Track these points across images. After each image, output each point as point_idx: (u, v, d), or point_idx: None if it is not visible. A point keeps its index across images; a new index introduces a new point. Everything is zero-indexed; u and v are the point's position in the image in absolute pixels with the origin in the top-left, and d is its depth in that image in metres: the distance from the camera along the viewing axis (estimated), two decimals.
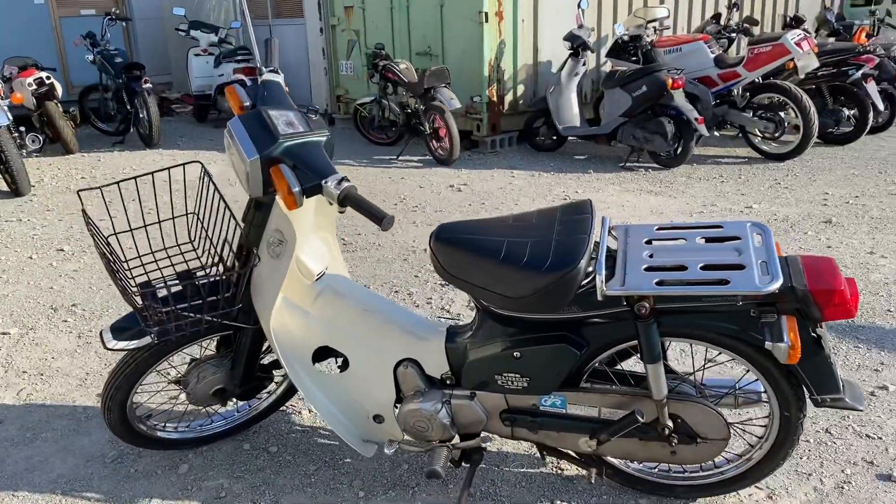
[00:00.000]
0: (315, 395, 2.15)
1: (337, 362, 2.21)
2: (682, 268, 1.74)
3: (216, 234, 2.08)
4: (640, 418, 1.89)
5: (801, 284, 1.70)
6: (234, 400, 2.40)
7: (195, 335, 2.11)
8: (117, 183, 1.97)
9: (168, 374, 2.59)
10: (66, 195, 6.01)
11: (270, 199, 1.95)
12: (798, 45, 6.11)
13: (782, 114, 6.38)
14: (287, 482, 2.32)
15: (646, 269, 1.76)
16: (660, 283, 1.71)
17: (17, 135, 6.13)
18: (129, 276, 2.01)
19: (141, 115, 7.94)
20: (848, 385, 1.86)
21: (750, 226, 1.86)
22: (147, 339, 2.04)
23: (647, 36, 6.94)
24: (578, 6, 6.95)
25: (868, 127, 6.91)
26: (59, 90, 7.55)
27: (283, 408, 2.67)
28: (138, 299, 1.97)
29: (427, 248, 1.92)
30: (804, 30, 6.65)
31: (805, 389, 1.83)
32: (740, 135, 6.84)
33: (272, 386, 2.51)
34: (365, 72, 7.84)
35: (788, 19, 8.26)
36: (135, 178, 2.00)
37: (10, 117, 5.85)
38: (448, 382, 2.08)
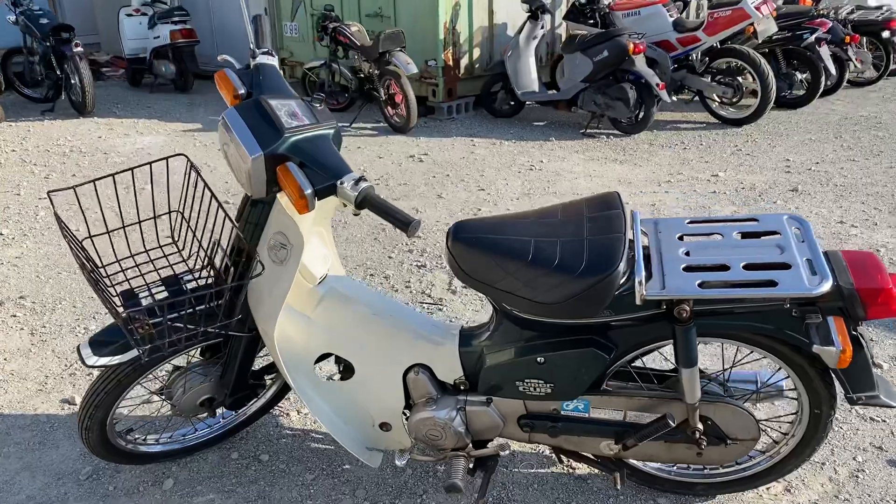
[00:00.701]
0: (318, 405, 1.99)
1: (339, 367, 2.05)
2: (724, 267, 1.64)
3: (204, 233, 1.88)
4: (672, 423, 1.80)
5: (847, 283, 1.62)
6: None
7: (188, 346, 1.91)
8: (93, 181, 1.74)
9: (150, 382, 2.38)
10: None
11: (270, 197, 1.76)
12: (757, 9, 6.08)
13: (740, 79, 6.37)
14: (284, 494, 2.17)
15: (685, 269, 1.65)
16: (703, 286, 1.60)
17: None
18: (110, 284, 1.80)
19: (72, 81, 7.43)
20: (881, 381, 1.80)
21: (787, 219, 1.77)
22: (132, 353, 1.84)
23: None
24: None
25: (820, 90, 6.99)
26: None
27: (271, 410, 2.50)
28: (122, 310, 1.77)
29: (444, 248, 1.76)
30: None
31: (841, 387, 1.77)
32: (696, 99, 6.83)
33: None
34: (311, 34, 7.51)
35: None
36: (112, 174, 1.77)
37: None
38: (462, 388, 1.95)
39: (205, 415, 2.19)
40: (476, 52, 7.28)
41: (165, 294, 1.85)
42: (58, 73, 7.53)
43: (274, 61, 1.82)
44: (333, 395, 2.01)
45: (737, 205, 4.54)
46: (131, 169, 1.79)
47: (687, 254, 1.71)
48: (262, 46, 1.85)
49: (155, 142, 6.46)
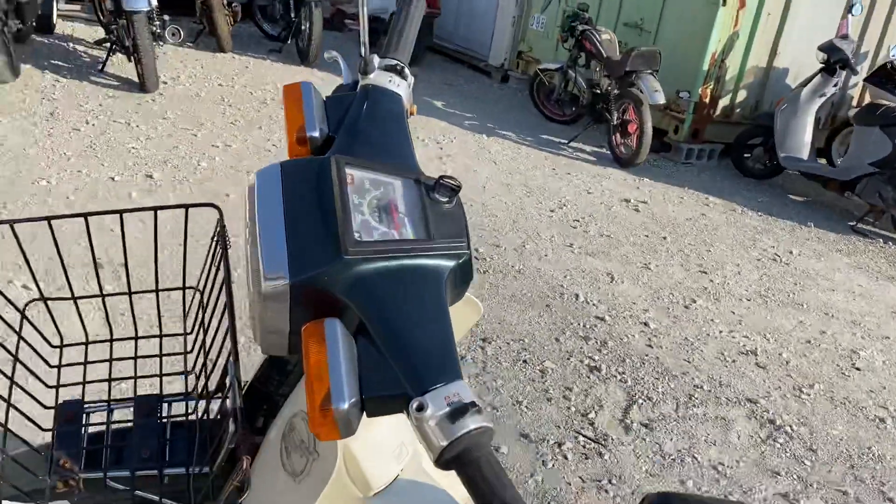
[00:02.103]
0: None
1: None
2: None
3: (220, 331, 1.09)
4: None
5: None
6: None
7: None
8: (48, 219, 1.01)
9: None
10: (192, 103, 5.30)
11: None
12: None
13: None
14: None
15: None
16: None
17: (158, 23, 5.46)
18: (54, 385, 1.08)
19: (302, 28, 7.14)
20: None
21: None
22: None
23: None
24: (849, 11, 5.41)
25: None
26: None
27: None
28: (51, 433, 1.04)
29: None
30: None
31: None
32: None
33: None
34: (557, 32, 6.64)
35: None
36: (85, 214, 1.03)
37: (153, 3, 5.15)
38: None
39: None
40: (741, 95, 6.04)
41: (130, 423, 1.09)
42: (292, 15, 7.29)
43: (400, 88, 0.97)
44: None
45: None
46: (120, 212, 1.04)
47: None
48: (386, 52, 1.01)
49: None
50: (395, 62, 0.99)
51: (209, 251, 1.08)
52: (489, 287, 3.28)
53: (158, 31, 5.44)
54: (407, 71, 1.00)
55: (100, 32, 5.91)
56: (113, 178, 3.74)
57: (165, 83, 5.62)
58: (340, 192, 0.77)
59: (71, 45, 6.27)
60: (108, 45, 5.57)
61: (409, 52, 1.03)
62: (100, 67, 5.63)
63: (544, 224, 4.18)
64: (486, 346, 2.80)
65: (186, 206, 1.05)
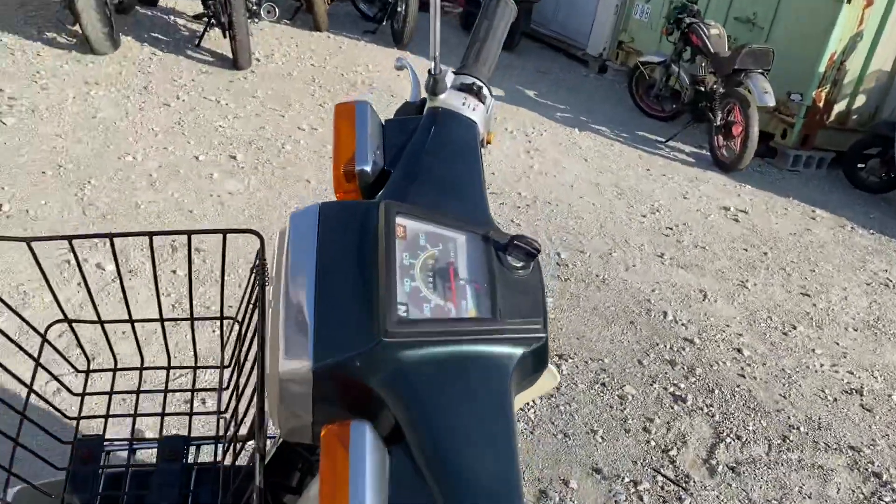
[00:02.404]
0: None
1: None
2: None
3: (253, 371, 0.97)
4: None
5: None
6: None
7: None
8: (71, 238, 0.90)
9: None
10: (283, 82, 5.26)
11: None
12: None
13: None
14: None
15: None
16: None
17: (254, 0, 5.45)
18: (75, 416, 0.99)
19: (399, 9, 7.03)
20: None
21: None
22: None
23: None
24: None
25: None
26: None
27: None
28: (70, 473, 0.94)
29: None
30: None
31: None
32: None
33: None
34: (662, 24, 6.29)
35: None
36: (94, 235, 0.92)
37: None
38: None
39: None
40: (859, 100, 5.58)
41: (152, 467, 0.98)
42: None
43: (476, 113, 0.81)
44: None
45: None
46: (150, 234, 0.92)
47: None
48: (462, 68, 0.85)
49: None
50: (471, 80, 0.83)
51: (249, 280, 0.95)
52: (569, 297, 3.09)
53: (254, 7, 5.43)
54: (486, 91, 0.83)
55: (199, 6, 5.96)
56: (197, 157, 3.72)
57: (258, 60, 5.61)
58: (387, 249, 0.62)
59: (172, 17, 6.35)
60: (205, 19, 5.60)
61: (490, 67, 0.87)
62: (196, 42, 5.67)
63: (634, 230, 3.94)
64: (561, 363, 2.62)
65: (224, 232, 0.93)
